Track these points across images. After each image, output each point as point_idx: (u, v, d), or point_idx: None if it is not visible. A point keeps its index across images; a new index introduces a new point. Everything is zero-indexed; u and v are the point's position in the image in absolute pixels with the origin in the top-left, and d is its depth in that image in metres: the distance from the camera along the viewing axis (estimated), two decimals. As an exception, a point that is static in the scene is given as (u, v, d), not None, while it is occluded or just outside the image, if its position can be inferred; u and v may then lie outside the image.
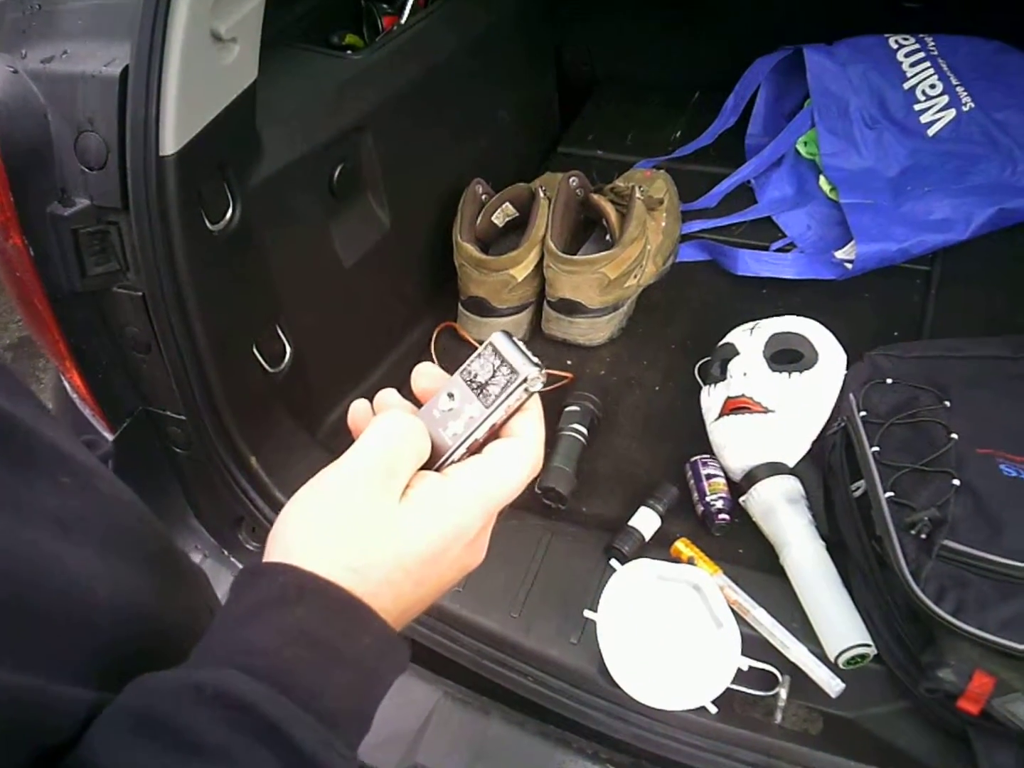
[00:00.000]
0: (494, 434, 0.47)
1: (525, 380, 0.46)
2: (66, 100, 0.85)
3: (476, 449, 0.47)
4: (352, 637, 0.39)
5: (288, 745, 0.34)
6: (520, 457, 0.46)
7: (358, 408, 0.49)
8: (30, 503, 0.39)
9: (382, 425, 0.44)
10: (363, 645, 0.39)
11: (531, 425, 0.47)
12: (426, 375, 0.49)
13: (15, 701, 0.32)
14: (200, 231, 0.93)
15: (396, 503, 0.43)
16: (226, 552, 1.19)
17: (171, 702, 0.34)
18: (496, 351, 0.47)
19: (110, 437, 1.06)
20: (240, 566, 1.19)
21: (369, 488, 0.42)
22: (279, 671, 0.36)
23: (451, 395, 0.47)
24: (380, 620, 0.40)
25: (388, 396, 0.49)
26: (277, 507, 1.08)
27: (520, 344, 0.47)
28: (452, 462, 0.47)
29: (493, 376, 0.46)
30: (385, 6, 1.32)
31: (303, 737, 0.35)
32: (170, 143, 0.84)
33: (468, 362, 0.48)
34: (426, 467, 0.46)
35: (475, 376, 0.47)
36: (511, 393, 0.46)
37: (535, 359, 0.47)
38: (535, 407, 0.48)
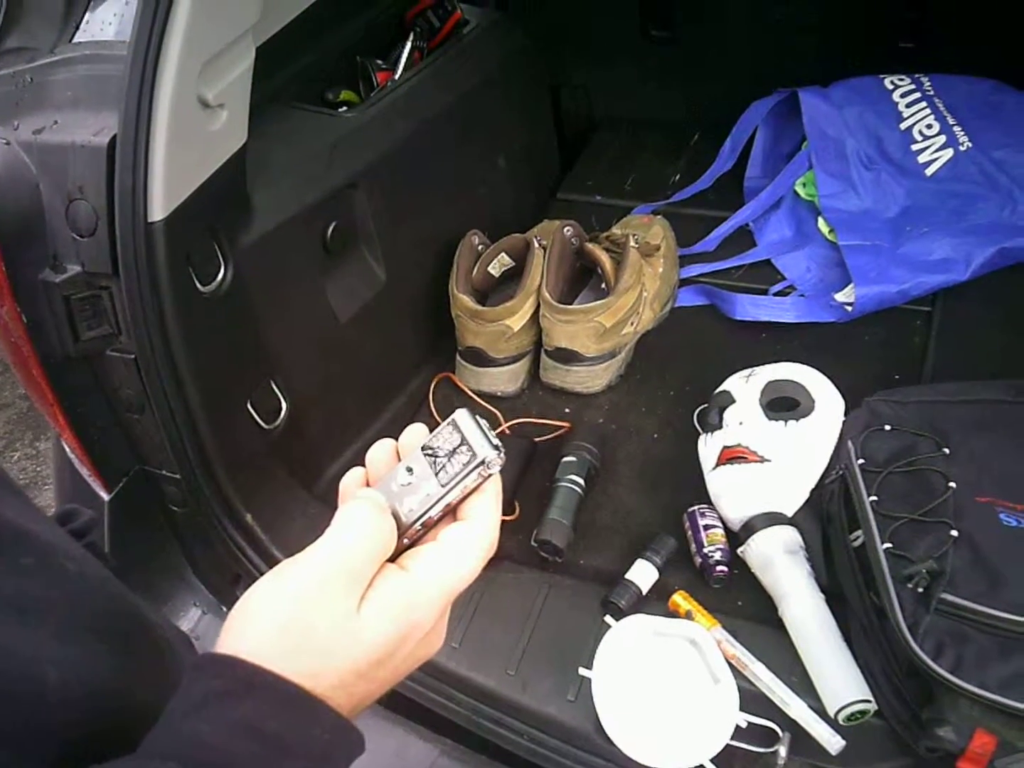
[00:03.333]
0: (449, 511, 0.47)
1: (483, 462, 0.46)
2: (57, 169, 0.87)
3: (431, 526, 0.47)
4: (302, 729, 0.39)
5: None
6: (475, 543, 0.46)
7: (350, 481, 0.49)
8: None
9: (352, 524, 0.44)
10: (313, 736, 0.39)
11: (486, 508, 0.47)
12: (414, 434, 0.50)
13: None
14: (191, 294, 0.94)
15: (355, 607, 0.42)
16: (224, 609, 1.18)
17: None
18: (457, 428, 0.47)
19: (107, 496, 1.07)
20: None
21: (332, 593, 0.42)
22: (224, 765, 0.36)
23: (410, 469, 0.47)
24: (331, 711, 0.40)
25: (354, 476, 0.49)
26: (274, 563, 1.07)
27: (482, 423, 0.47)
28: (406, 540, 0.46)
29: (452, 454, 0.46)
30: (380, 62, 1.33)
31: None
32: (158, 209, 0.86)
33: (431, 436, 0.48)
34: None
35: (435, 452, 0.47)
36: (468, 474, 0.46)
37: (495, 441, 0.46)
38: (492, 487, 0.47)
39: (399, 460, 0.49)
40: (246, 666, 0.39)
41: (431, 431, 0.49)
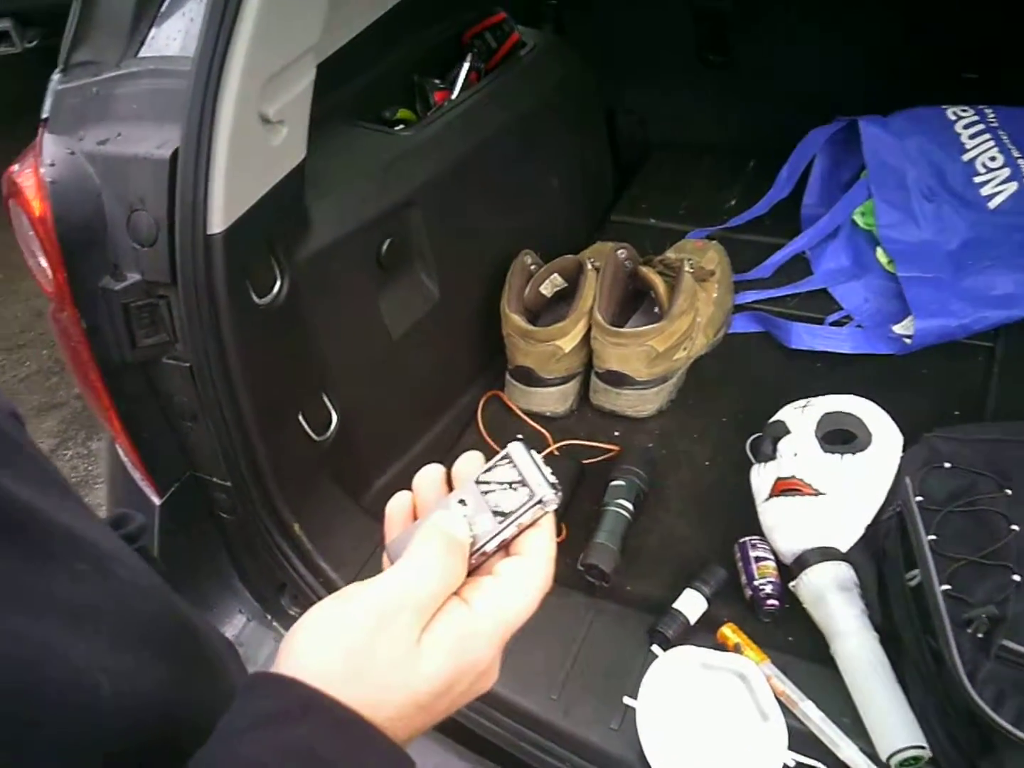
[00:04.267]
0: (503, 547, 0.47)
1: (540, 502, 0.45)
2: (119, 180, 0.89)
3: (482, 561, 0.46)
4: (355, 757, 0.38)
5: None
6: (533, 579, 0.45)
7: (396, 506, 0.49)
8: (43, 595, 0.39)
9: (427, 559, 0.43)
10: (367, 765, 0.38)
11: (543, 544, 0.46)
12: (469, 463, 0.49)
13: None
14: (247, 305, 0.94)
15: (417, 641, 0.41)
16: (269, 616, 1.19)
17: None
18: (513, 463, 0.47)
19: (158, 501, 1.07)
20: (282, 631, 1.18)
21: (397, 626, 0.41)
22: None
23: (463, 501, 0.47)
24: (386, 739, 0.39)
25: (400, 501, 0.49)
26: (319, 574, 1.08)
27: (538, 459, 0.47)
28: None
29: (508, 491, 0.46)
30: (437, 82, 1.34)
31: None
32: (218, 222, 0.87)
33: (485, 470, 0.47)
34: None
35: (490, 488, 0.46)
36: (525, 512, 0.45)
37: (552, 478, 0.46)
38: (548, 523, 0.47)
39: (447, 486, 0.49)
40: (304, 688, 0.38)
41: (486, 459, 0.49)
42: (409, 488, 0.50)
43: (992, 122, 1.44)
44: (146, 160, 0.86)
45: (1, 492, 0.39)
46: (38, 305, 2.98)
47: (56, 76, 0.97)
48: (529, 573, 0.45)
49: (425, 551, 0.44)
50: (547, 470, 0.46)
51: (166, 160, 0.85)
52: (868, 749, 0.88)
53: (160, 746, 0.42)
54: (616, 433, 1.31)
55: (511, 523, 0.45)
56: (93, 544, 0.45)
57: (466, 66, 1.37)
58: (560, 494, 0.46)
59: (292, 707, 0.38)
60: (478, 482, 0.47)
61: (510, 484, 0.46)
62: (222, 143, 0.83)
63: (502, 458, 0.47)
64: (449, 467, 0.50)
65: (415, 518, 0.49)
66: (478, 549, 0.45)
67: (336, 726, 0.38)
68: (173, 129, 0.85)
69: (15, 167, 0.91)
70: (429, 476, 0.49)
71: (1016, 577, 0.86)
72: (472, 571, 0.46)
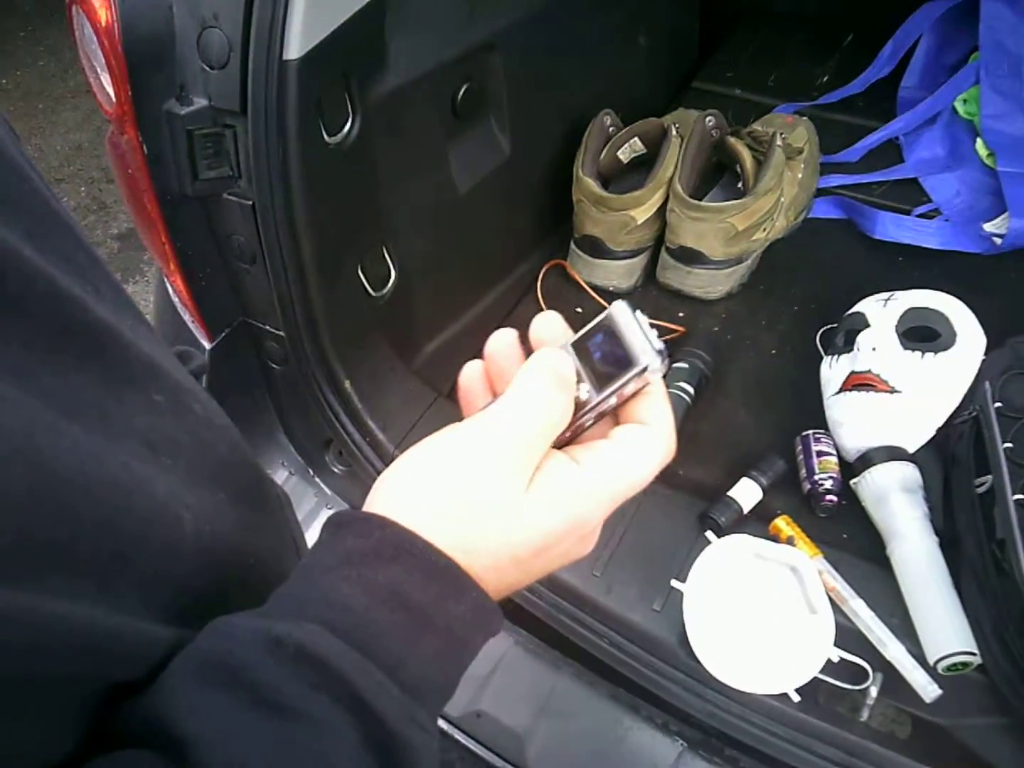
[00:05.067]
0: (600, 419, 0.43)
1: (645, 369, 0.40)
2: (193, -8, 0.82)
3: (580, 432, 0.43)
4: (446, 604, 0.36)
5: (370, 715, 0.32)
6: (653, 449, 0.41)
7: (470, 375, 0.44)
8: (120, 420, 0.37)
9: (534, 395, 0.39)
10: (457, 614, 0.36)
11: (662, 413, 0.42)
12: (549, 325, 0.44)
13: (90, 641, 0.30)
14: (317, 142, 0.89)
15: (524, 488, 0.38)
16: (311, 472, 1.18)
17: (251, 654, 0.32)
18: (616, 328, 0.41)
19: (208, 345, 1.05)
20: (324, 488, 1.18)
21: (501, 468, 0.38)
22: (366, 633, 0.34)
23: None
24: (478, 589, 0.37)
25: (473, 370, 0.45)
26: (367, 433, 1.06)
27: (643, 322, 0.41)
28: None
29: (609, 357, 0.41)
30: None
31: (385, 708, 0.33)
32: (295, 47, 0.81)
33: (581, 334, 0.43)
34: None
35: (589, 353, 0.42)
36: (627, 381, 0.41)
37: (659, 344, 0.41)
38: (660, 390, 0.42)
39: (523, 354, 0.44)
40: (396, 529, 0.36)
41: (567, 323, 0.44)
42: (466, 357, 0.45)
43: None
44: (223, -28, 0.80)
45: (82, 307, 0.35)
46: (78, 139, 2.92)
47: None
48: (649, 443, 0.41)
49: (532, 385, 0.40)
50: (653, 333, 0.41)
51: (245, -26, 0.79)
52: (915, 651, 0.87)
53: (232, 588, 0.40)
54: (681, 314, 1.27)
55: (612, 393, 0.41)
56: (168, 375, 0.42)
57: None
58: (667, 359, 0.41)
59: (383, 547, 0.36)
60: (575, 346, 0.42)
61: (612, 350, 0.41)
62: (306, -41, 0.76)
63: (603, 320, 0.42)
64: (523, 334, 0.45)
65: (492, 392, 0.44)
66: (576, 422, 0.42)
67: (428, 570, 0.36)
68: (255, -61, 0.78)
69: (80, -31, 0.85)
70: (503, 341, 0.44)
71: (1098, 494, 0.82)
72: (565, 444, 0.42)
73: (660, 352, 0.41)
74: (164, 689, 0.32)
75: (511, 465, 0.38)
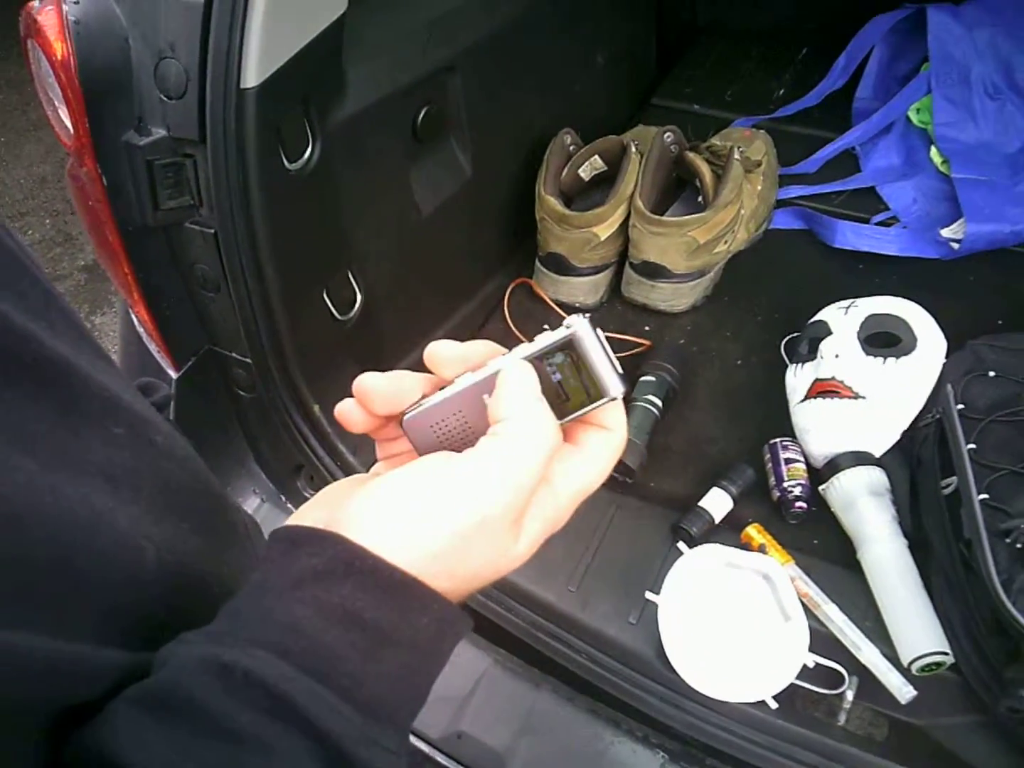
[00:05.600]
0: None
1: (612, 400, 0.40)
2: (148, 23, 0.82)
3: None
4: (408, 618, 0.35)
5: (326, 739, 0.32)
6: (612, 455, 0.42)
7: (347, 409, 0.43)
8: (78, 454, 0.37)
9: (528, 452, 0.38)
10: (420, 626, 0.36)
11: (621, 418, 0.42)
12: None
13: (48, 668, 0.30)
14: (277, 169, 0.89)
15: (515, 539, 0.38)
16: (283, 498, 1.17)
17: (198, 683, 0.32)
18: (580, 351, 0.39)
19: (175, 374, 1.05)
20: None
21: (497, 531, 0.37)
22: (318, 656, 0.33)
23: None
24: (440, 599, 0.36)
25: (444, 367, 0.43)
26: (337, 457, 1.06)
27: (606, 344, 0.40)
28: None
29: (571, 381, 0.40)
30: (485, -60, 1.25)
31: (341, 732, 0.32)
32: (252, 75, 0.81)
33: (540, 350, 0.40)
34: None
35: (547, 373, 0.40)
36: (591, 408, 0.40)
37: (620, 369, 0.40)
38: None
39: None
40: (349, 545, 0.35)
41: (509, 348, 0.41)
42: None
43: (1076, 14, 1.36)
44: (178, 2, 0.79)
45: (36, 341, 0.35)
46: (41, 172, 2.90)
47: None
48: (611, 448, 0.42)
49: (523, 443, 0.38)
50: (615, 360, 0.40)
51: (200, 3, 0.78)
52: (889, 653, 0.88)
53: (196, 614, 0.40)
54: (647, 328, 1.28)
55: (575, 418, 0.40)
56: (128, 408, 0.42)
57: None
58: (626, 383, 0.40)
59: (336, 565, 0.35)
60: (539, 359, 0.40)
61: (575, 373, 0.40)
62: (261, -13, 0.76)
63: (566, 340, 0.39)
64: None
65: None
66: None
67: (383, 586, 0.35)
68: (210, -32, 0.79)
69: (35, 3, 0.84)
70: (448, 349, 0.42)
71: (1060, 490, 0.84)
72: None
73: (623, 377, 0.40)
74: (111, 721, 0.31)
75: (506, 528, 0.38)
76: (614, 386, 0.40)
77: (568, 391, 0.40)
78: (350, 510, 0.37)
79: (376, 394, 0.42)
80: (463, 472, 0.38)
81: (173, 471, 0.44)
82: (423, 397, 0.42)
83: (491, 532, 0.37)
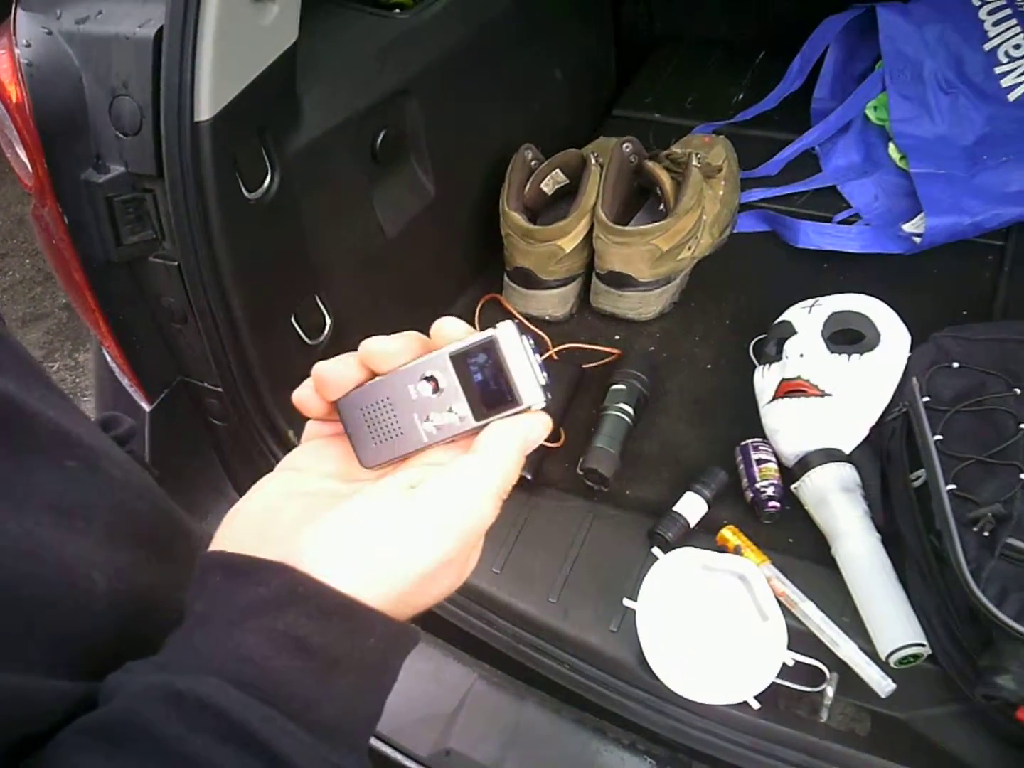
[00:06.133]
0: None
1: (527, 409, 0.40)
2: (101, 63, 0.84)
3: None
4: (353, 640, 0.36)
5: (279, 761, 0.32)
6: (469, 479, 0.39)
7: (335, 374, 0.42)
8: (29, 490, 0.38)
9: (467, 517, 0.38)
10: (367, 646, 0.36)
11: (504, 443, 0.40)
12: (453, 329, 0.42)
13: None
14: (236, 199, 0.90)
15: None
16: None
17: (152, 710, 0.32)
18: (500, 355, 0.39)
19: (148, 407, 1.05)
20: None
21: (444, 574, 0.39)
22: (268, 682, 0.34)
23: (433, 379, 0.40)
24: (384, 617, 0.37)
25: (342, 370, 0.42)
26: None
27: (530, 352, 0.40)
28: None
29: (489, 384, 0.40)
30: (435, -38, 1.26)
31: (292, 752, 0.33)
32: (205, 108, 0.82)
33: (463, 348, 0.40)
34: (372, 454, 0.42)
35: (469, 372, 0.40)
36: (508, 415, 0.40)
37: (544, 379, 0.40)
38: (522, 422, 0.41)
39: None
40: (292, 573, 0.36)
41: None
42: None
43: (1020, 5, 1.37)
44: (128, 40, 0.81)
45: None
46: (20, 212, 2.91)
47: (29, -51, 0.91)
48: (466, 474, 0.39)
49: (466, 505, 0.38)
50: (539, 366, 0.40)
51: (150, 39, 0.80)
52: (867, 647, 0.89)
53: (151, 641, 0.40)
54: (617, 337, 1.29)
55: (487, 423, 0.40)
56: (81, 441, 0.43)
57: (465, -53, 1.30)
58: (549, 396, 0.40)
59: (281, 594, 0.35)
60: (453, 358, 0.40)
61: (495, 376, 0.39)
62: (209, 21, 0.77)
63: (488, 341, 0.39)
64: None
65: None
66: (448, 439, 0.41)
67: (326, 611, 0.35)
68: (157, 6, 0.79)
69: (-14, 49, 0.86)
70: (383, 344, 0.42)
71: (1024, 476, 0.85)
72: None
73: (545, 387, 0.40)
74: (61, 751, 0.32)
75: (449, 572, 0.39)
76: (529, 395, 0.39)
77: (488, 394, 0.40)
78: (303, 545, 0.37)
79: (329, 378, 0.42)
80: (426, 512, 0.38)
81: (129, 501, 0.45)
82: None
83: (455, 565, 0.39)
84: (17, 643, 0.33)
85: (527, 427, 0.40)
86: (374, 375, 0.42)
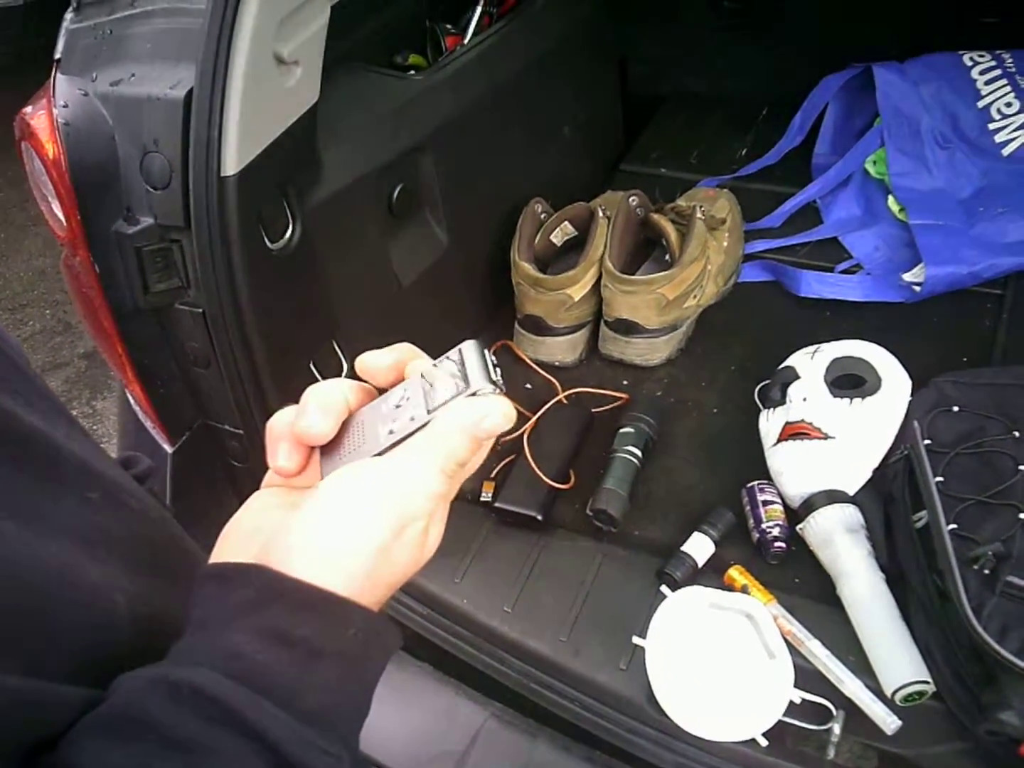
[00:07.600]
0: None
1: (473, 394, 0.44)
2: (133, 122, 0.88)
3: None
4: (333, 632, 0.39)
5: (268, 743, 0.35)
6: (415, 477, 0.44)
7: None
8: (54, 517, 0.41)
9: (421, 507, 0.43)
10: (346, 637, 0.39)
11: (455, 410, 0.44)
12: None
13: (18, 703, 0.34)
14: (260, 250, 0.94)
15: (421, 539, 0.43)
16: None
17: (148, 699, 0.35)
18: (461, 358, 0.45)
19: (170, 449, 1.08)
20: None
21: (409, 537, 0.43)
22: (256, 673, 0.37)
23: (406, 390, 0.46)
24: (362, 610, 0.40)
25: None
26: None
27: (488, 357, 0.46)
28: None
29: (446, 383, 0.45)
30: (449, 26, 1.33)
31: (280, 736, 0.35)
32: (231, 164, 0.86)
33: (435, 363, 0.47)
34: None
35: (433, 379, 0.45)
36: (457, 396, 0.44)
37: (496, 377, 0.45)
38: (467, 410, 0.45)
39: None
40: (272, 573, 0.39)
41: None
42: None
43: (1009, 67, 1.43)
44: (160, 101, 0.86)
45: (13, 417, 0.40)
46: (40, 265, 2.99)
47: (69, 15, 0.97)
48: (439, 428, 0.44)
49: (422, 502, 0.43)
50: (493, 366, 0.45)
51: (180, 100, 0.85)
52: (873, 685, 0.90)
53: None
54: (625, 382, 1.32)
55: (435, 410, 0.44)
56: (103, 475, 0.47)
57: (479, 10, 1.36)
58: (499, 390, 0.44)
59: (264, 593, 0.39)
60: (423, 375, 0.46)
61: (451, 376, 0.45)
62: (237, 83, 0.82)
63: (453, 352, 0.46)
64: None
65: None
66: (403, 438, 0.44)
67: (305, 605, 0.39)
68: (187, 69, 0.85)
69: (28, 108, 0.91)
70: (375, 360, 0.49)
71: (1023, 515, 0.87)
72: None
73: (494, 381, 0.44)
74: (73, 745, 0.35)
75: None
76: (476, 381, 0.44)
77: (442, 392, 0.45)
78: (271, 547, 0.41)
79: (314, 436, 0.46)
80: (365, 488, 0.42)
81: (146, 532, 0.49)
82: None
83: (408, 533, 0.42)
84: (42, 657, 0.36)
85: (477, 409, 0.44)
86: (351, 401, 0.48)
